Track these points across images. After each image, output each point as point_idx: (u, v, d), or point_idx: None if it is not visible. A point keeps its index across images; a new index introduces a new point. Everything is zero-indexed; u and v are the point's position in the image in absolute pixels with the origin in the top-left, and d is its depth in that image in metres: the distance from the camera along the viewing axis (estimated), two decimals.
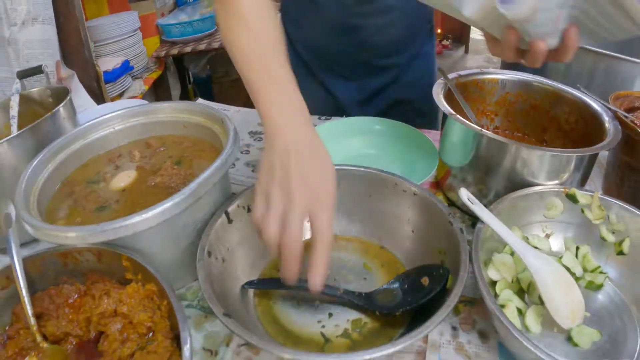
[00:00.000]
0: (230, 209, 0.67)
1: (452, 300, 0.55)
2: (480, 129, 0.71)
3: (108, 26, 1.92)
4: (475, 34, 4.38)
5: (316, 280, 0.53)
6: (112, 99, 1.81)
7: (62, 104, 0.82)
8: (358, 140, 0.91)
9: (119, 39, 1.96)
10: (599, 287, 0.68)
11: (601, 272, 0.68)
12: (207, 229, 0.64)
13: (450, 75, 0.82)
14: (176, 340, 0.56)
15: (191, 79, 2.86)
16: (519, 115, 0.86)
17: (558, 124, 0.82)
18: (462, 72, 0.84)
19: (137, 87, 2.03)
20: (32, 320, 0.61)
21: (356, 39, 1.08)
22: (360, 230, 0.74)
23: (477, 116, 0.88)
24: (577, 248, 0.70)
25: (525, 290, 0.66)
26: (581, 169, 0.72)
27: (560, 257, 0.68)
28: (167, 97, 2.53)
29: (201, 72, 2.85)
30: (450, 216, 0.64)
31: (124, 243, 0.62)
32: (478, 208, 0.64)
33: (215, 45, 2.46)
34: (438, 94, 0.78)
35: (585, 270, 0.69)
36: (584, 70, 0.91)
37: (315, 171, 0.55)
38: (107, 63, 1.83)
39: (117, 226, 0.58)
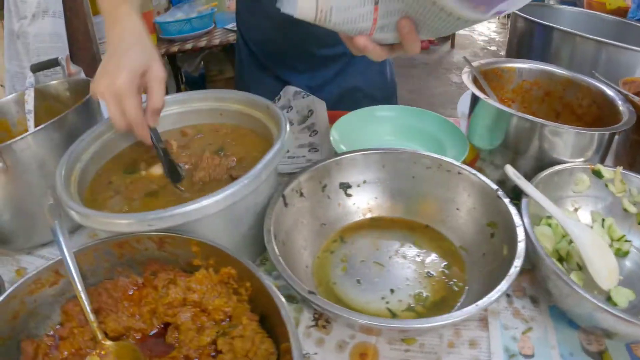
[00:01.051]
0: (285, 192, 0.70)
1: (514, 271, 0.60)
2: (512, 110, 0.78)
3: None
4: None
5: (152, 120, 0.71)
6: None
7: (88, 95, 0.82)
8: (386, 128, 0.96)
9: None
10: (626, 253, 0.76)
11: (626, 241, 0.76)
12: (268, 212, 0.67)
13: (474, 64, 0.89)
14: (261, 323, 0.57)
15: (184, 79, 2.82)
16: (534, 101, 0.94)
17: (571, 108, 0.91)
18: (483, 61, 0.91)
19: None
20: (92, 317, 0.60)
21: (299, 32, 1.13)
22: (405, 210, 0.78)
23: None
24: (603, 220, 0.78)
25: (564, 258, 0.73)
26: (602, 148, 0.80)
27: (591, 228, 0.76)
28: None
29: (194, 71, 2.82)
30: (499, 191, 0.70)
31: (186, 229, 0.63)
32: (523, 183, 0.71)
33: (216, 42, 2.47)
34: (467, 80, 0.84)
35: (612, 239, 0.77)
36: (586, 58, 1.01)
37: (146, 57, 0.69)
38: None
39: (186, 210, 0.59)
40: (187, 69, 2.83)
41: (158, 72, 0.69)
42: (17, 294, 0.59)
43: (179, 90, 2.75)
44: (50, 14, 1.15)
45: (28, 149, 0.75)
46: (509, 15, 1.51)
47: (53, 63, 0.91)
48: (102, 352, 0.59)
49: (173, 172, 0.74)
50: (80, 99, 0.85)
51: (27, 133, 0.76)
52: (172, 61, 2.68)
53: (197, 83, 2.98)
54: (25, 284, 0.60)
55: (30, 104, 0.88)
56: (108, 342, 0.60)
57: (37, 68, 0.91)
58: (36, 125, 0.88)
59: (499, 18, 5.82)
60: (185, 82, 2.91)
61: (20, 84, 1.25)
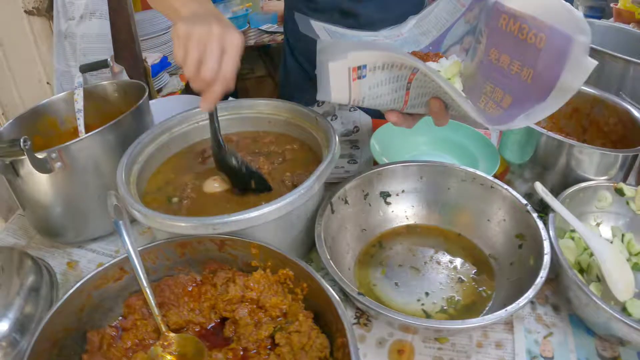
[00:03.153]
0: (333, 200, 0.81)
1: (540, 281, 0.70)
2: (542, 129, 0.88)
3: (145, 22, 1.98)
4: None
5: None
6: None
7: (142, 99, 0.91)
8: (422, 138, 1.06)
9: (155, 35, 2.02)
10: None
11: None
12: (318, 218, 0.77)
13: None
14: (314, 321, 0.67)
15: None
16: (563, 117, 1.04)
17: (598, 125, 1.01)
18: None
19: (176, 83, 2.10)
20: (157, 310, 0.68)
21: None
22: (439, 219, 0.88)
23: None
24: (623, 235, 0.88)
25: (585, 270, 0.84)
26: (625, 167, 0.90)
27: (611, 243, 0.87)
28: (197, 93, 2.57)
29: None
30: (528, 206, 0.81)
31: (244, 232, 0.72)
32: (550, 199, 0.81)
33: (250, 42, 2.59)
34: None
35: (630, 253, 0.87)
36: (614, 75, 1.10)
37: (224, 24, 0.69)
38: (146, 59, 1.88)
39: (249, 216, 0.69)
40: None
41: (234, 39, 0.68)
42: (84, 288, 0.69)
43: None
44: (97, 16, 1.23)
45: (84, 150, 0.85)
46: None
47: (102, 64, 1.00)
48: (166, 343, 0.68)
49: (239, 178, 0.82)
50: (128, 101, 0.95)
51: (84, 135, 0.85)
52: None
53: None
54: (92, 279, 0.69)
55: (80, 104, 0.97)
56: (172, 334, 0.69)
57: (86, 69, 1.00)
58: (85, 124, 0.99)
59: None
60: None
61: (67, 82, 1.35)
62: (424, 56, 0.74)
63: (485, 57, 0.64)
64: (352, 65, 0.58)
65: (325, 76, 0.59)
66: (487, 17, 0.64)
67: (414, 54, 0.75)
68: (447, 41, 0.76)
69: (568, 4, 0.53)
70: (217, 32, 0.66)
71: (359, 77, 0.60)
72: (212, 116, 0.79)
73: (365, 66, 0.59)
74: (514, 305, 0.66)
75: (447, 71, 0.69)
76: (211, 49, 0.66)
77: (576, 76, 0.53)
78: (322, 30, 0.74)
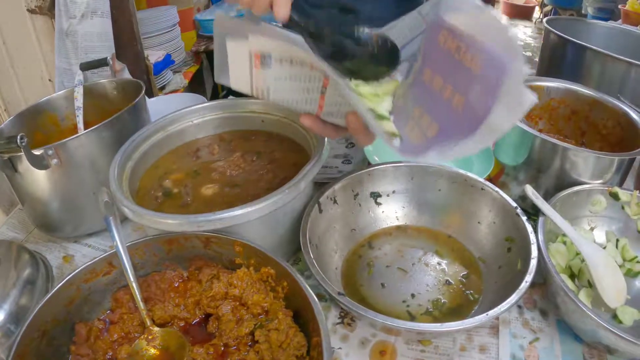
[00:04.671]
0: (320, 200, 0.81)
1: (524, 285, 0.70)
2: (536, 131, 0.87)
3: (149, 20, 2.02)
4: None
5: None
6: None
7: (139, 97, 0.93)
8: None
9: (159, 33, 2.05)
10: (637, 274, 0.84)
11: (638, 262, 0.85)
12: (305, 218, 0.77)
13: None
14: (294, 318, 0.68)
15: None
16: (561, 119, 1.03)
17: (596, 128, 0.99)
18: None
19: (179, 81, 2.13)
20: (142, 305, 0.70)
21: None
22: (429, 220, 0.88)
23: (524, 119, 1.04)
24: (617, 240, 0.87)
25: (576, 275, 0.83)
26: (621, 170, 0.89)
27: (604, 248, 0.85)
28: (201, 91, 2.63)
29: None
30: (518, 209, 0.80)
31: (230, 230, 0.73)
32: (541, 202, 0.80)
33: None
34: None
35: (624, 259, 0.86)
36: (616, 77, 1.08)
37: None
38: (149, 57, 1.91)
39: (233, 214, 0.70)
40: None
41: None
42: (73, 282, 0.70)
43: (215, 84, 2.89)
44: (99, 14, 1.26)
45: (81, 147, 0.87)
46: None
47: (102, 63, 1.03)
48: (150, 337, 0.70)
49: None
50: (127, 99, 0.97)
51: (80, 132, 0.88)
52: (209, 57, 2.82)
53: None
54: (81, 273, 0.71)
55: (79, 101, 0.99)
56: (156, 328, 0.70)
57: (86, 67, 1.02)
58: (84, 121, 1.01)
59: (535, 23, 5.82)
60: None
61: (68, 79, 1.38)
62: None
63: (419, 76, 0.57)
64: (254, 50, 0.53)
65: (223, 55, 0.53)
66: (427, 32, 0.57)
67: None
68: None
69: (509, 26, 0.44)
70: None
71: (263, 65, 0.54)
72: None
73: (270, 55, 0.53)
74: (495, 309, 0.65)
75: (380, 88, 0.61)
76: None
77: (510, 112, 0.43)
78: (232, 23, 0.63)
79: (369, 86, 0.59)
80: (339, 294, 0.67)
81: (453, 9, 0.51)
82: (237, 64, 0.54)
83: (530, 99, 0.42)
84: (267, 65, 0.54)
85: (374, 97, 0.59)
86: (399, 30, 0.72)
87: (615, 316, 0.78)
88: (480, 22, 0.47)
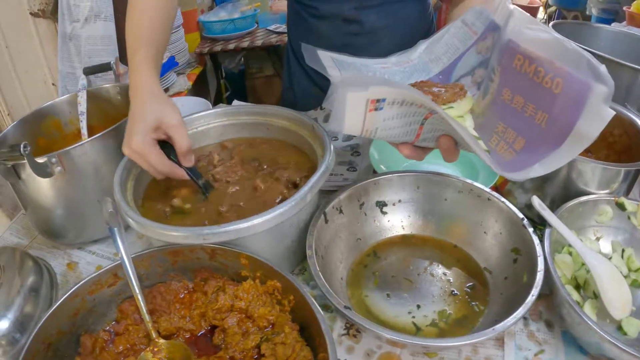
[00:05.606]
0: (326, 210, 0.81)
1: (530, 299, 0.70)
2: None
3: None
4: None
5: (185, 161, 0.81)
6: None
7: None
8: None
9: None
10: None
11: None
12: (310, 229, 0.77)
13: None
14: (300, 333, 0.68)
15: (223, 75, 2.98)
16: None
17: (603, 135, 0.98)
18: None
19: (183, 83, 2.13)
20: (147, 317, 0.70)
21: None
22: (435, 230, 0.89)
23: None
24: (623, 250, 0.87)
25: (581, 286, 0.83)
26: (628, 180, 0.89)
27: (610, 258, 0.86)
28: (205, 92, 2.65)
29: (234, 68, 2.96)
30: (524, 220, 0.80)
31: (235, 242, 0.73)
32: (548, 214, 0.81)
33: (258, 42, 2.61)
34: None
35: (629, 269, 0.86)
36: (621, 85, 1.08)
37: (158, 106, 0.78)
38: None
39: (238, 227, 0.70)
40: (228, 65, 2.97)
41: (172, 120, 0.77)
42: (79, 293, 0.71)
43: (219, 85, 2.89)
44: (102, 18, 1.25)
45: (84, 154, 0.87)
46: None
47: (105, 67, 1.02)
48: (155, 349, 0.70)
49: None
50: None
51: (84, 139, 0.88)
52: (213, 57, 2.83)
53: (237, 79, 3.11)
54: (87, 284, 0.72)
55: (83, 106, 0.99)
56: (161, 341, 0.71)
57: (90, 71, 1.02)
58: (88, 126, 1.00)
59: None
60: (225, 78, 3.04)
61: (71, 83, 1.38)
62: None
63: (498, 95, 0.63)
64: (371, 98, 0.58)
65: (341, 106, 0.58)
66: (501, 55, 0.63)
67: (422, 83, 0.74)
68: (458, 71, 0.75)
69: (589, 54, 0.52)
70: (141, 137, 0.76)
71: (376, 109, 0.60)
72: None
73: (384, 99, 0.59)
74: (502, 324, 0.66)
75: (460, 108, 0.69)
76: (150, 157, 0.77)
77: (593, 124, 0.51)
78: (329, 60, 0.73)
79: (454, 109, 0.67)
80: (345, 307, 0.67)
81: (527, 36, 0.59)
82: (353, 111, 0.59)
83: (610, 113, 0.50)
84: (380, 108, 0.60)
85: (460, 119, 0.67)
86: (446, 43, 0.73)
87: (620, 327, 0.78)
88: (557, 49, 0.55)
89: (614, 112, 0.50)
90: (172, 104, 0.80)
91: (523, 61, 0.58)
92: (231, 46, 2.62)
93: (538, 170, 0.56)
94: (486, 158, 0.59)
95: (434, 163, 1.05)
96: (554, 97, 0.54)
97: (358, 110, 0.59)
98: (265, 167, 0.87)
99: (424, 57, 0.79)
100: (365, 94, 0.57)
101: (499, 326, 0.65)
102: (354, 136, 1.11)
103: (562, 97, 0.53)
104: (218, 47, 2.62)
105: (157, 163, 0.77)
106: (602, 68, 0.51)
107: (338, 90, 0.58)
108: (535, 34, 0.58)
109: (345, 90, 0.57)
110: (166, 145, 0.80)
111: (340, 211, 0.84)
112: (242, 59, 3.05)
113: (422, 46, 0.79)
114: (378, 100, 0.59)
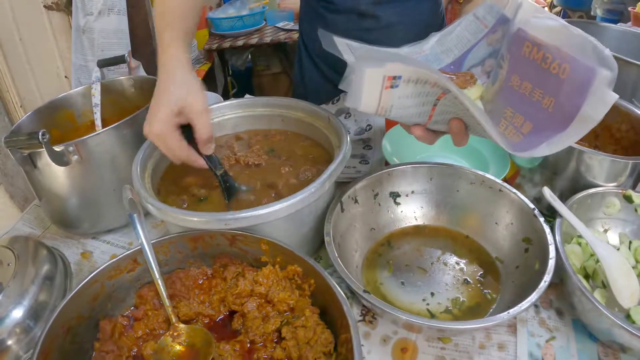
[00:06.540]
0: (343, 199, 0.83)
1: (543, 285, 0.72)
2: None
3: None
4: None
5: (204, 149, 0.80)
6: None
7: None
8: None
9: None
10: None
11: None
12: (328, 216, 0.79)
13: None
14: (320, 317, 0.70)
15: (230, 71, 3.00)
16: None
17: (610, 131, 1.02)
18: None
19: None
20: (168, 302, 0.72)
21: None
22: (447, 221, 0.91)
23: None
24: (630, 242, 0.90)
25: (590, 275, 0.86)
26: (635, 174, 0.92)
27: (617, 250, 0.88)
28: (213, 89, 2.66)
29: (242, 65, 2.98)
30: (535, 211, 0.83)
31: (255, 229, 0.75)
32: (558, 205, 0.83)
33: (267, 40, 2.64)
34: None
35: (637, 261, 0.89)
36: (628, 82, 1.11)
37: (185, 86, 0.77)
38: None
39: (260, 213, 0.72)
40: (235, 62, 3.00)
41: (197, 106, 0.77)
42: (98, 279, 0.72)
43: (226, 82, 2.92)
44: (115, 12, 1.27)
45: (101, 143, 0.88)
46: None
47: (119, 60, 1.04)
48: (175, 334, 0.72)
49: (229, 192, 0.85)
50: (144, 96, 0.99)
51: (99, 129, 0.89)
52: (220, 54, 2.86)
53: (244, 76, 3.14)
54: (106, 270, 0.73)
55: (97, 98, 1.01)
56: (181, 325, 0.72)
57: (103, 64, 1.04)
58: (101, 118, 1.02)
59: None
60: (232, 75, 3.07)
61: (84, 76, 1.39)
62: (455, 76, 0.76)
63: (506, 82, 0.66)
64: (387, 74, 0.60)
65: (359, 82, 0.61)
66: (510, 43, 0.66)
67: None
68: (469, 62, 0.78)
69: (594, 39, 0.55)
70: (164, 120, 0.76)
71: (392, 87, 0.62)
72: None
73: (400, 77, 0.61)
74: (516, 308, 0.68)
75: (470, 94, 0.71)
76: (170, 141, 0.78)
77: (597, 108, 0.54)
78: (345, 46, 0.76)
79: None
80: (364, 291, 0.69)
81: (534, 24, 0.62)
82: (371, 87, 0.61)
83: (613, 96, 0.53)
84: (395, 86, 0.62)
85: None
86: (458, 36, 0.76)
87: (628, 316, 0.81)
88: (563, 36, 0.58)
89: (617, 96, 0.53)
90: (198, 87, 0.79)
91: (532, 48, 0.61)
92: (240, 43, 2.66)
93: (544, 149, 0.60)
94: (496, 135, 0.62)
95: (446, 157, 1.08)
96: (561, 82, 0.57)
97: (375, 86, 0.61)
98: (282, 158, 0.89)
99: (436, 49, 0.81)
100: (382, 70, 0.60)
101: (513, 310, 0.67)
102: (366, 129, 1.13)
103: (568, 82, 0.56)
104: (227, 44, 2.66)
105: (176, 148, 0.78)
106: (607, 52, 0.54)
107: (356, 68, 0.60)
108: (543, 21, 0.61)
109: (363, 65, 0.59)
110: (190, 129, 0.80)
111: (356, 201, 0.86)
112: (250, 56, 3.07)
113: (434, 38, 0.82)
114: (394, 78, 0.61)
